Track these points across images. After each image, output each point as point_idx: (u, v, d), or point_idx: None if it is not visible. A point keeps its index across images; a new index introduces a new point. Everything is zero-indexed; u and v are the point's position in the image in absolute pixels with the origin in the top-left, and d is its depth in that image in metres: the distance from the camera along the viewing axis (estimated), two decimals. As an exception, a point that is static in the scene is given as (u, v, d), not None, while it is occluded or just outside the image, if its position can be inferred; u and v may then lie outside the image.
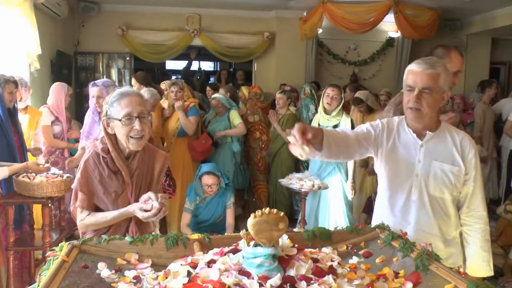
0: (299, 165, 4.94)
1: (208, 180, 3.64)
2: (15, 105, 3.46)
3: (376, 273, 1.26)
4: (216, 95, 4.86)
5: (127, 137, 1.90)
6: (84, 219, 1.95)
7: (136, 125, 1.88)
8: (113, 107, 1.90)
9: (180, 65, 11.93)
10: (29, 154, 3.65)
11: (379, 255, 1.40)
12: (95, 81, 3.42)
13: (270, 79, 7.73)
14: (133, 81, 4.63)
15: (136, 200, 1.93)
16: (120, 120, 1.88)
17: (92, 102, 3.43)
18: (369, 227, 1.58)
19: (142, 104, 1.94)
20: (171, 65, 11.90)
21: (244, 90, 5.81)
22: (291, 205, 5.06)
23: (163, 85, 4.95)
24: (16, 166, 3.00)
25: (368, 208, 4.80)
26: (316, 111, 4.94)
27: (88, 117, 3.54)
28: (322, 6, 6.65)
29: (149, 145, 2.11)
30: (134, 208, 1.86)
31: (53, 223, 3.38)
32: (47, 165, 3.17)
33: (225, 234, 1.57)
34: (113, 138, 1.95)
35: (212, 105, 4.77)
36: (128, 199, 1.96)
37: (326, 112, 3.99)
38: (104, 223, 1.94)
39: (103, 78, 7.53)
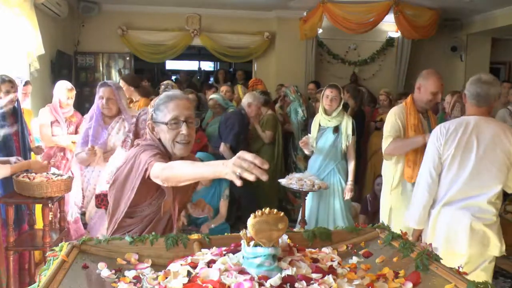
0: (279, 166, 4.95)
1: None
2: (18, 104, 3.41)
3: (376, 273, 1.26)
4: (213, 95, 4.80)
5: (173, 142, 1.80)
6: (164, 167, 1.59)
7: (183, 129, 1.78)
8: (160, 110, 1.82)
9: (180, 65, 11.95)
10: (32, 154, 3.62)
11: (379, 255, 1.41)
12: (106, 81, 3.26)
13: (270, 79, 7.72)
14: (122, 82, 4.52)
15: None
16: (166, 124, 1.79)
17: (99, 103, 3.21)
18: (369, 227, 1.58)
19: (190, 109, 1.84)
20: (171, 65, 11.91)
21: (240, 91, 5.54)
22: (279, 205, 5.02)
23: (162, 86, 4.96)
24: (19, 163, 3.02)
25: (366, 209, 4.80)
26: (304, 115, 4.97)
27: (91, 120, 3.29)
28: (322, 6, 6.65)
29: None
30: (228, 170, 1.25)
31: (53, 223, 3.37)
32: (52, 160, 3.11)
33: (212, 224, 1.56)
34: (158, 143, 1.85)
35: (210, 105, 4.76)
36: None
37: (327, 113, 3.94)
38: (185, 175, 1.53)
39: (103, 78, 7.55)
